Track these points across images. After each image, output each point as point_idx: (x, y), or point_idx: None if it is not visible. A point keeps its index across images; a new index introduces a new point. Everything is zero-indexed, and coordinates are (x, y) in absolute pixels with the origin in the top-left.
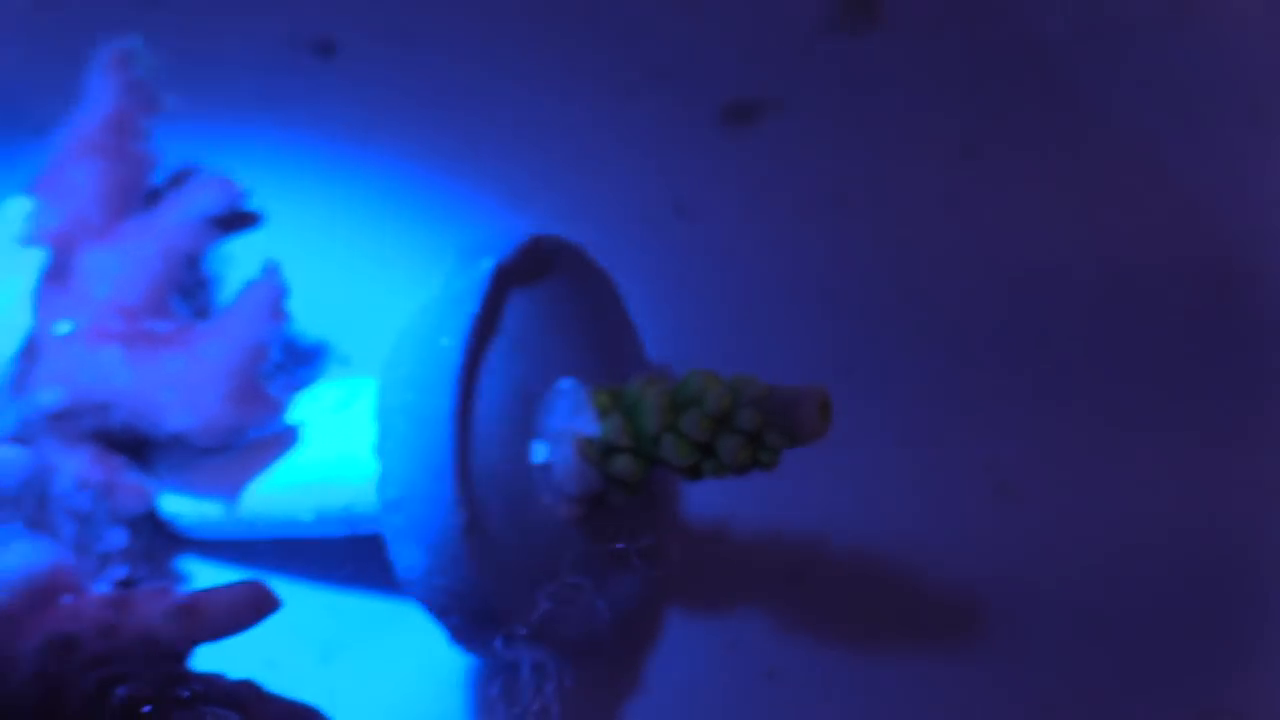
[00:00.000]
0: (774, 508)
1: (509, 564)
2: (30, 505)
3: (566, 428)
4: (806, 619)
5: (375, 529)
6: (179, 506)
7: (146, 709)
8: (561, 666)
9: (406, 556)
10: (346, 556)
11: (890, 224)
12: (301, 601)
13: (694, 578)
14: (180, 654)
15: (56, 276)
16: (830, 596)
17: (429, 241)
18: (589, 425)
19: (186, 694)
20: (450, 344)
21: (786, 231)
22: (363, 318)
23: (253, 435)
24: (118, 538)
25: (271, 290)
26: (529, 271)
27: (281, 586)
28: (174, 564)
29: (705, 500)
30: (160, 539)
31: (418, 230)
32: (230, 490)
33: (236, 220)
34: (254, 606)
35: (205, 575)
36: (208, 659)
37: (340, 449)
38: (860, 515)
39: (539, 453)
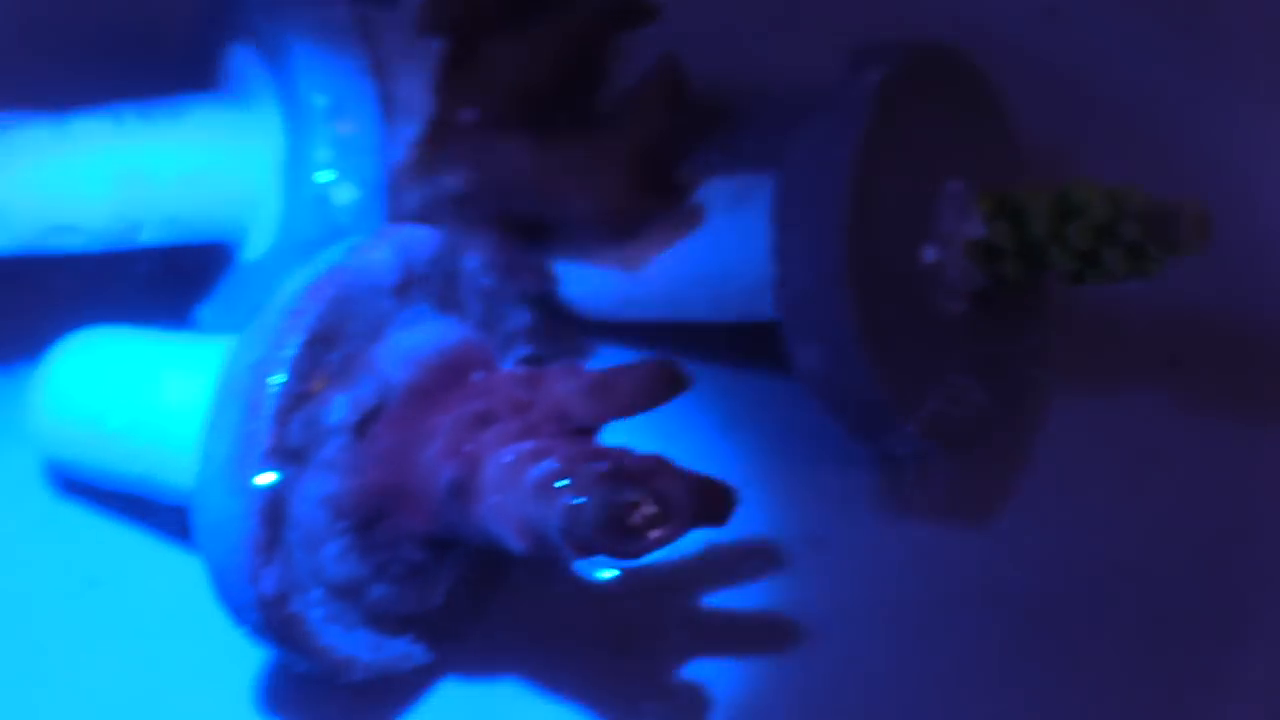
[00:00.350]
0: (1153, 295)
1: (900, 363)
2: (438, 284)
3: (954, 230)
4: (1185, 404)
5: (771, 317)
6: (579, 289)
7: (561, 484)
8: (947, 461)
9: (803, 355)
10: (742, 339)
11: (1258, 31)
12: (698, 377)
13: (1076, 369)
14: (591, 430)
15: (458, 64)
16: (1209, 383)
17: (815, 39)
18: (976, 229)
19: (601, 468)
20: (843, 152)
21: (1152, 38)
22: (755, 113)
23: (652, 222)
24: (522, 317)
25: (670, 81)
26: (915, 79)
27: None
28: (575, 344)
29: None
30: (560, 320)
31: (804, 26)
32: (628, 274)
33: (635, 13)
34: (665, 384)
35: (604, 355)
36: (612, 434)
37: (737, 242)
38: (1235, 302)
39: (928, 255)
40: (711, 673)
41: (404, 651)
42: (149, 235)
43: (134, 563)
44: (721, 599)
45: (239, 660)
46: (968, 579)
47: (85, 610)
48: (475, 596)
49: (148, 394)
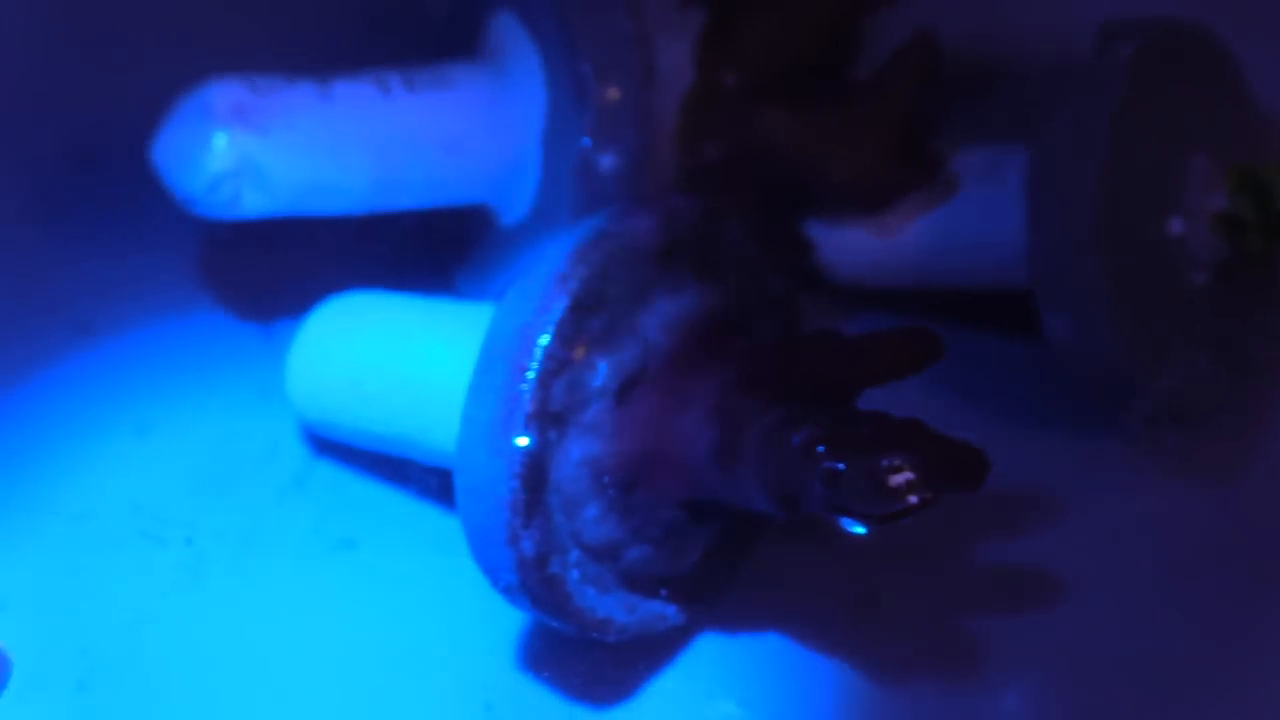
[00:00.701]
0: None
1: (1144, 334)
2: (699, 251)
3: (1200, 203)
4: None
5: (1022, 285)
6: (835, 256)
7: (821, 449)
8: (1179, 432)
9: (1054, 323)
10: (991, 306)
11: None
12: (947, 343)
13: None
14: (850, 395)
15: (717, 35)
16: None
17: (1065, 12)
18: (1220, 201)
19: (861, 432)
20: (1097, 124)
21: None
22: (1007, 84)
23: (907, 192)
24: (779, 284)
25: (926, 55)
26: (1165, 53)
27: None
28: (832, 310)
29: None
30: (817, 287)
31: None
32: (883, 242)
33: None
34: (922, 351)
35: (859, 321)
36: (864, 399)
37: (991, 212)
38: None
39: (1174, 226)
40: (954, 633)
41: (659, 612)
42: (409, 199)
43: (389, 524)
44: (964, 561)
45: (494, 621)
46: (1199, 545)
47: (340, 571)
48: (729, 557)
49: (408, 356)
